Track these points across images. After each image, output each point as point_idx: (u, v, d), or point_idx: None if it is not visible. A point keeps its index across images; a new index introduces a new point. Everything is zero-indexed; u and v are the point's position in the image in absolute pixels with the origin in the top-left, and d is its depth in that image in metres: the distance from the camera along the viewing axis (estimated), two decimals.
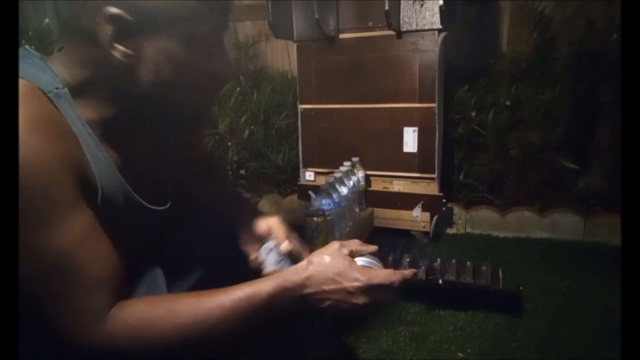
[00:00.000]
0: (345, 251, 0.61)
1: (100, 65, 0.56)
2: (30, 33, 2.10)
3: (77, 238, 0.52)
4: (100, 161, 0.58)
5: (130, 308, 0.55)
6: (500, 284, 1.24)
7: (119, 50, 0.54)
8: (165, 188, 0.73)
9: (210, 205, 0.85)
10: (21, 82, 0.52)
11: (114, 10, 0.52)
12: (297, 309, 0.59)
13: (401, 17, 1.58)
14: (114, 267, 0.55)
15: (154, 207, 0.66)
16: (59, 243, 0.50)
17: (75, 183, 0.53)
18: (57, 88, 0.54)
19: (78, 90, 0.57)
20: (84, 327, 0.52)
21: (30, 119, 0.49)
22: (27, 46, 0.61)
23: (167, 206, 0.71)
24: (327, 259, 0.60)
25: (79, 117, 0.56)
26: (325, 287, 0.58)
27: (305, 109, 1.83)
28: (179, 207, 0.75)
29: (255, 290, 0.57)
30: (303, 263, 0.60)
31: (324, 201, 1.40)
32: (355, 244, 0.64)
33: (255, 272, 0.74)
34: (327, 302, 0.59)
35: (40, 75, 0.54)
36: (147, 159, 0.68)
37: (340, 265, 0.59)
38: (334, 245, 0.62)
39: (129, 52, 0.54)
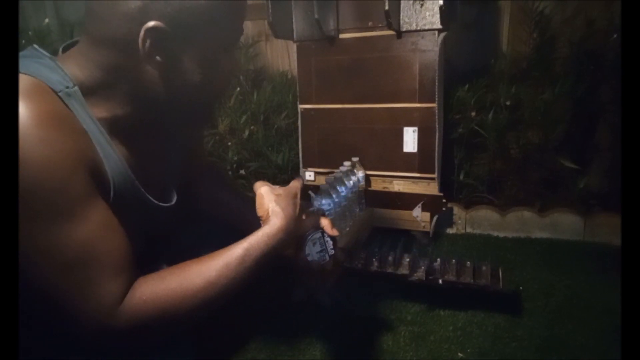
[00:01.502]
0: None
1: (126, 70, 0.57)
2: (30, 33, 2.11)
3: (96, 228, 0.53)
4: (112, 158, 0.59)
5: (142, 286, 0.56)
6: (500, 284, 1.24)
7: (155, 60, 0.56)
8: (171, 186, 0.74)
9: (216, 205, 0.86)
10: (32, 81, 0.52)
11: (153, 23, 0.53)
12: (288, 244, 0.68)
13: (401, 17, 1.58)
14: (130, 256, 0.57)
15: (160, 204, 0.68)
16: (80, 234, 0.52)
17: (90, 177, 0.54)
18: (67, 87, 0.55)
19: (92, 90, 0.58)
20: (104, 314, 0.53)
21: (42, 116, 0.50)
22: (35, 45, 0.62)
23: (173, 203, 0.72)
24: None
25: (90, 115, 0.57)
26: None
27: (305, 109, 1.83)
28: (184, 205, 0.76)
29: (251, 242, 0.62)
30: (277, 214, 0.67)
31: (323, 201, 1.40)
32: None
33: None
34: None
35: (50, 74, 0.55)
36: (155, 156, 0.70)
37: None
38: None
39: (164, 61, 0.56)
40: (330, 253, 0.74)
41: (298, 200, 0.71)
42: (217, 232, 0.82)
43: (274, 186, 0.72)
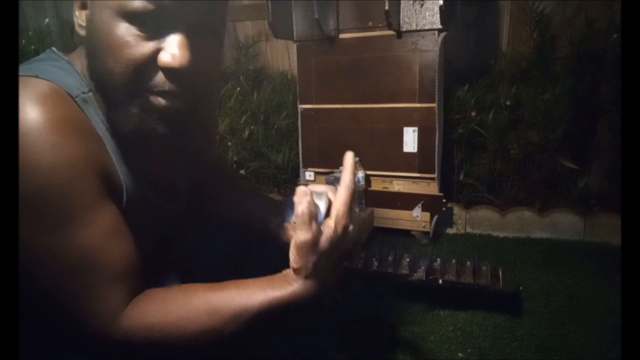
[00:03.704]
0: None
1: None
2: (30, 33, 2.11)
3: (101, 235, 0.53)
4: (125, 163, 0.58)
5: (143, 309, 0.54)
6: (500, 284, 1.24)
7: None
8: (181, 188, 0.74)
9: (226, 207, 0.85)
10: (49, 86, 0.52)
11: None
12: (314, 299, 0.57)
13: (401, 17, 1.58)
14: (134, 264, 0.56)
15: (170, 207, 0.68)
16: (84, 240, 0.52)
17: (101, 183, 0.54)
18: (83, 92, 0.55)
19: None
20: (102, 322, 0.53)
21: (58, 122, 0.50)
22: (54, 48, 0.61)
23: (183, 206, 0.72)
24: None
25: (104, 120, 0.57)
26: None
27: (305, 109, 1.83)
28: (194, 208, 0.76)
29: (275, 299, 0.55)
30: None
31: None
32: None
33: (265, 273, 0.73)
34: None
35: (68, 79, 0.55)
36: (166, 159, 0.69)
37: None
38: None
39: None
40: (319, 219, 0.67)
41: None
42: (224, 233, 0.82)
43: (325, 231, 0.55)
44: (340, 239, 0.55)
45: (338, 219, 0.55)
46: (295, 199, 0.55)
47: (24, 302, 0.52)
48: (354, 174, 0.58)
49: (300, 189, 0.55)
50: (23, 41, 2.05)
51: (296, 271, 0.56)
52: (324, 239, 0.54)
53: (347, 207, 0.55)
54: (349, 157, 0.57)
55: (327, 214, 0.57)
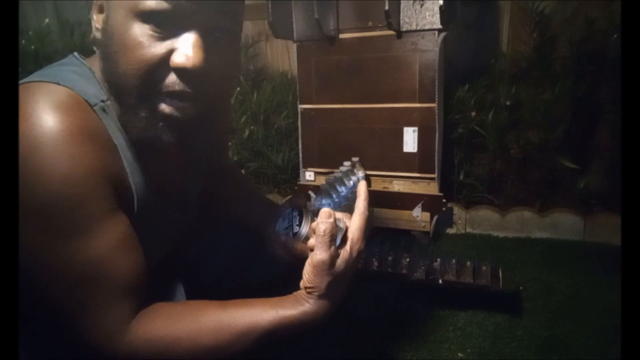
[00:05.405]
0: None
1: None
2: (30, 33, 2.11)
3: (111, 248, 0.52)
4: (138, 173, 0.58)
5: (149, 324, 0.54)
6: (500, 284, 1.24)
7: None
8: (191, 198, 0.73)
9: (236, 213, 0.85)
10: (69, 94, 0.52)
11: None
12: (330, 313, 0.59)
13: (401, 17, 1.58)
14: (142, 277, 0.55)
15: (180, 217, 0.67)
16: (92, 252, 0.51)
17: (113, 194, 0.53)
18: (102, 101, 0.55)
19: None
20: (107, 335, 0.52)
21: (76, 132, 0.50)
22: (76, 53, 0.61)
23: (193, 215, 0.71)
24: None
25: (120, 129, 0.56)
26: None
27: (305, 109, 1.83)
28: (203, 216, 0.75)
29: (285, 318, 0.55)
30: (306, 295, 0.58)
31: (324, 201, 1.40)
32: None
33: (270, 281, 0.72)
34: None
35: (87, 87, 0.54)
36: (179, 168, 0.69)
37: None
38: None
39: None
40: (295, 230, 0.69)
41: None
42: (229, 239, 0.82)
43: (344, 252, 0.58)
44: (355, 262, 0.58)
45: (353, 242, 0.59)
46: (318, 219, 0.56)
47: (30, 310, 0.52)
48: (368, 201, 0.62)
49: (325, 211, 0.57)
50: (23, 41, 2.05)
51: (309, 290, 0.56)
52: (340, 261, 0.57)
53: (361, 233, 0.59)
54: (362, 186, 0.61)
55: (342, 239, 0.59)
